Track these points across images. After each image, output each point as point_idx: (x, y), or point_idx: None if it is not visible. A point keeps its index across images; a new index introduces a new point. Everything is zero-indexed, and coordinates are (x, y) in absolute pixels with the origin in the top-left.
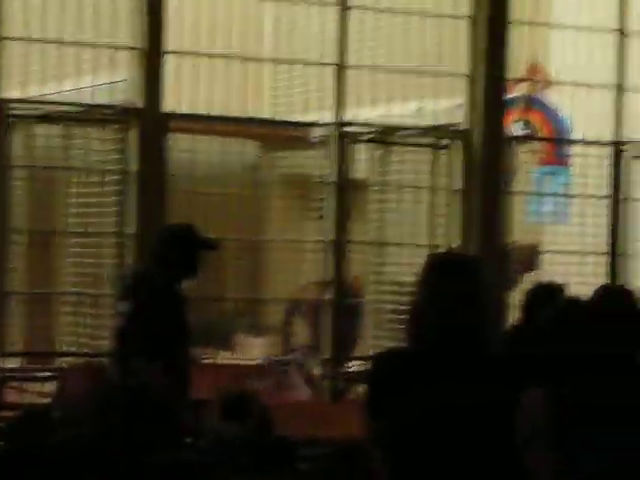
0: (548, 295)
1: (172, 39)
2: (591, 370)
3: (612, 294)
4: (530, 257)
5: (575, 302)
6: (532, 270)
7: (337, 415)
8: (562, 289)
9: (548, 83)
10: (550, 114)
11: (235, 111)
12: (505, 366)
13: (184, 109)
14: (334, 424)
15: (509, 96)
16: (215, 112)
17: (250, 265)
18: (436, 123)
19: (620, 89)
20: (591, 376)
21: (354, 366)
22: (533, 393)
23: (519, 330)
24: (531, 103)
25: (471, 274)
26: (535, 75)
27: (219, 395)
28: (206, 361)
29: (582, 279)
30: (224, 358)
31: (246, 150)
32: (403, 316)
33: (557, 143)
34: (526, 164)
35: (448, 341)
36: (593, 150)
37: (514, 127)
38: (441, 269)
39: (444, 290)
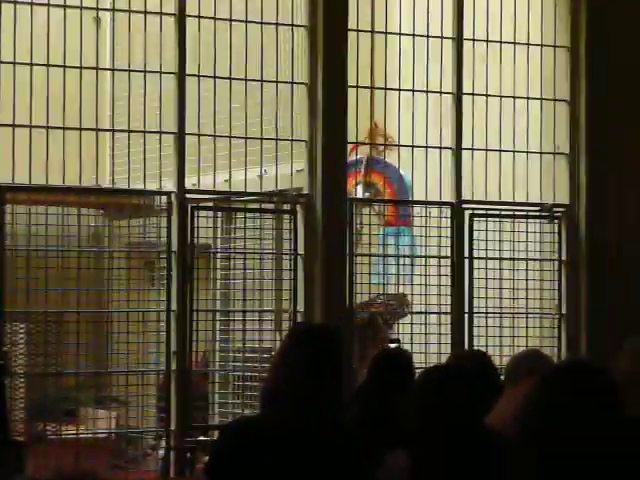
0: (395, 359)
1: (6, 111)
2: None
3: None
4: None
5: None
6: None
7: None
8: (408, 354)
9: (388, 145)
10: (392, 175)
11: (75, 181)
12: (348, 443)
13: (20, 180)
14: None
15: (351, 159)
16: (53, 182)
17: (93, 337)
18: (278, 189)
19: (458, 150)
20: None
21: (201, 436)
22: (395, 456)
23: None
24: (373, 165)
25: (330, 346)
26: (375, 137)
27: (54, 475)
28: (50, 437)
29: (427, 339)
30: (69, 433)
31: (87, 220)
32: (250, 383)
33: (399, 204)
34: (369, 226)
35: (298, 413)
36: (434, 210)
37: (357, 189)
38: (299, 341)
39: (300, 363)
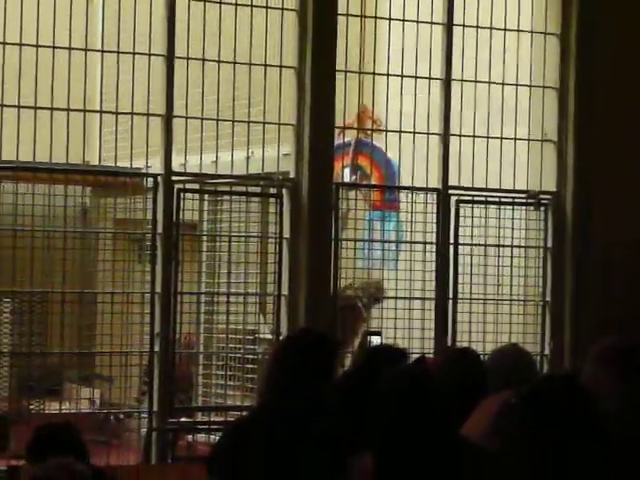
0: (390, 358)
1: None
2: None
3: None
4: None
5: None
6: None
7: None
8: (405, 354)
9: (376, 128)
10: (379, 158)
11: (62, 160)
12: (328, 441)
13: (7, 158)
14: None
15: (338, 141)
16: (41, 161)
17: (78, 317)
18: (264, 171)
19: (445, 136)
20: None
21: (184, 417)
22: (364, 459)
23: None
24: (361, 148)
25: (326, 355)
26: (364, 121)
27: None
28: (34, 412)
29: (410, 324)
30: (53, 409)
31: (73, 199)
32: (234, 364)
33: (386, 189)
34: (355, 210)
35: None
36: (421, 196)
37: (344, 172)
38: (296, 349)
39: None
